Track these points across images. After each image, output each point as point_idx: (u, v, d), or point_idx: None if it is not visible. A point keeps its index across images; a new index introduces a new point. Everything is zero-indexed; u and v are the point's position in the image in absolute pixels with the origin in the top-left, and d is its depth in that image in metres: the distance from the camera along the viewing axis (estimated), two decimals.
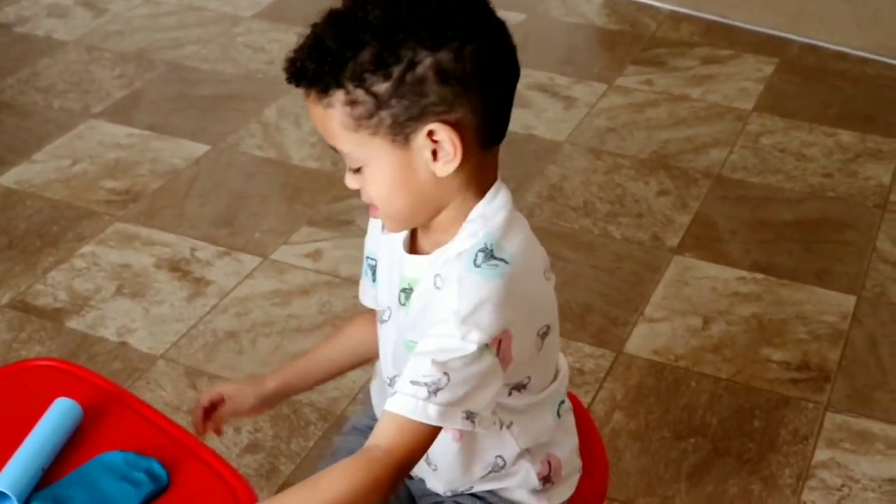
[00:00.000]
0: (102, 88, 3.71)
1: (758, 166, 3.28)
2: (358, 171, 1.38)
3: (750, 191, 3.18)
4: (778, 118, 3.52)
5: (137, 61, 3.87)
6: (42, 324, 2.69)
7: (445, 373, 1.32)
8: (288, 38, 3.96)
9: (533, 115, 3.48)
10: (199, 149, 3.34)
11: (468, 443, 1.49)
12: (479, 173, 1.38)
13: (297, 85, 1.34)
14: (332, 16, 1.34)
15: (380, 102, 1.30)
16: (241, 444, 2.36)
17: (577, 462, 1.62)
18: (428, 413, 1.32)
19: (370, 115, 1.31)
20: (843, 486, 2.28)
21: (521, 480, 1.54)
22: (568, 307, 2.69)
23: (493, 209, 1.39)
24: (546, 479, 1.55)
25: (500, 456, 1.51)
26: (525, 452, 1.52)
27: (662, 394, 2.48)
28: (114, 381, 1.67)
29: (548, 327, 1.45)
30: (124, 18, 4.17)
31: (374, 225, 1.56)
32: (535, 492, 1.55)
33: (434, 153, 1.33)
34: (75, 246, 2.95)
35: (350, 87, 1.30)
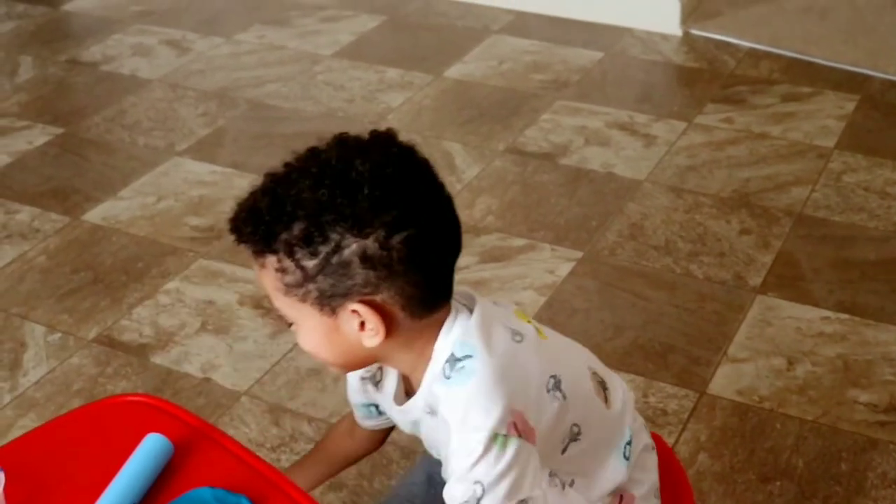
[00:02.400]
0: (186, 126, 3.76)
1: (840, 205, 3.25)
2: (291, 324, 1.42)
3: (833, 229, 3.15)
4: (860, 156, 3.49)
5: (220, 99, 3.93)
6: (128, 359, 2.73)
7: (477, 482, 1.34)
8: (368, 77, 4.03)
9: (612, 153, 3.47)
10: None
11: None
12: (416, 334, 1.40)
13: (235, 240, 1.38)
14: (270, 183, 1.36)
15: (307, 276, 1.33)
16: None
17: (656, 503, 1.60)
18: None
19: (298, 285, 1.35)
20: None
21: None
22: (650, 346, 2.67)
23: (452, 339, 1.40)
24: None
25: None
26: (598, 501, 1.52)
27: (747, 435, 2.46)
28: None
29: (554, 378, 1.43)
30: (207, 57, 4.24)
31: (358, 391, 1.62)
32: None
33: (362, 323, 1.36)
34: (160, 282, 2.98)
35: (281, 255, 1.33)
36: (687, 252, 3.04)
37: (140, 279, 3.00)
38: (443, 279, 1.39)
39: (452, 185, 3.36)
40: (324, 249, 1.31)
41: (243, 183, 3.40)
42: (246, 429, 2.50)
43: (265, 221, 1.33)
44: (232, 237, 1.39)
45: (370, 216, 1.30)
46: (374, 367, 1.54)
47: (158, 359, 2.73)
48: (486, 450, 1.33)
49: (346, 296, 1.33)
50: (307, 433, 2.49)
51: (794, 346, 2.70)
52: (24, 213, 3.30)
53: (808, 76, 3.98)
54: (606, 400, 1.54)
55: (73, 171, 3.52)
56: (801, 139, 3.59)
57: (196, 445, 1.54)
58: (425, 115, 3.80)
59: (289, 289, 1.35)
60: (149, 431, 1.51)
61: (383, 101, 3.89)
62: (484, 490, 1.33)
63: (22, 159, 3.60)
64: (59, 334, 2.82)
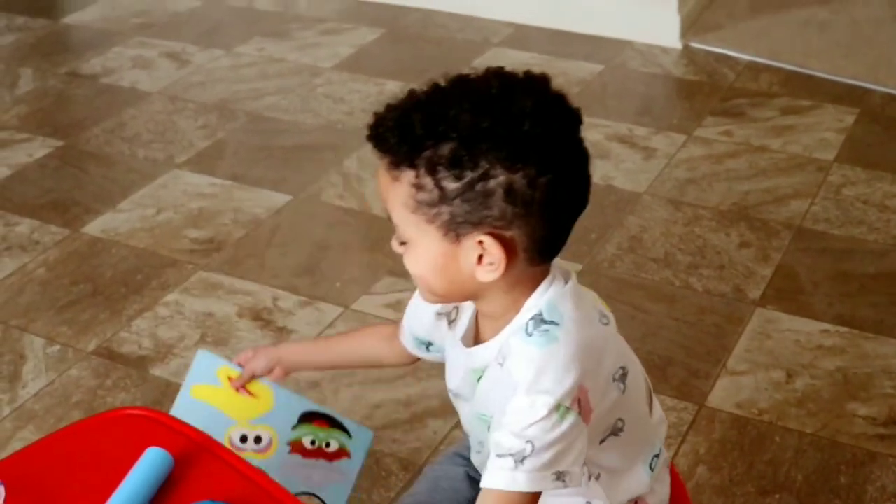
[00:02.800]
0: (186, 138, 3.77)
1: (840, 218, 3.25)
2: (404, 243, 1.40)
3: (832, 243, 3.15)
4: (860, 169, 3.49)
5: (220, 112, 3.93)
6: (127, 371, 2.73)
7: (529, 441, 1.35)
8: (367, 89, 4.03)
9: (612, 165, 3.48)
10: (281, 199, 3.38)
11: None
12: (524, 279, 1.40)
13: (374, 147, 1.36)
14: (422, 98, 1.35)
15: (444, 198, 1.32)
16: None
17: None
18: (518, 481, 1.36)
19: (431, 205, 1.33)
20: None
21: None
22: (649, 359, 2.67)
23: (547, 298, 1.41)
24: None
25: (589, 502, 1.52)
26: None
27: (746, 448, 2.46)
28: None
29: (623, 369, 1.46)
30: (206, 70, 4.25)
31: (424, 320, 1.62)
32: None
33: (480, 257, 1.35)
34: (159, 294, 2.99)
35: (421, 171, 1.32)
36: (686, 265, 3.04)
37: (139, 291, 3.01)
38: (565, 232, 1.39)
39: None
40: (470, 175, 1.30)
41: (243, 195, 3.41)
42: None
43: (415, 135, 1.31)
44: (370, 146, 1.37)
45: (525, 152, 1.30)
46: (453, 304, 1.54)
47: (158, 371, 2.73)
48: (548, 415, 1.34)
49: (478, 225, 1.33)
50: None
51: (793, 358, 2.70)
52: (24, 226, 3.30)
53: (807, 89, 3.99)
54: (651, 408, 1.58)
55: (72, 184, 3.52)
56: (801, 152, 3.59)
57: (196, 459, 1.54)
58: None
59: (419, 206, 1.33)
60: (149, 445, 1.51)
61: None
62: (532, 450, 1.35)
63: (22, 171, 3.60)
64: (59, 346, 2.82)
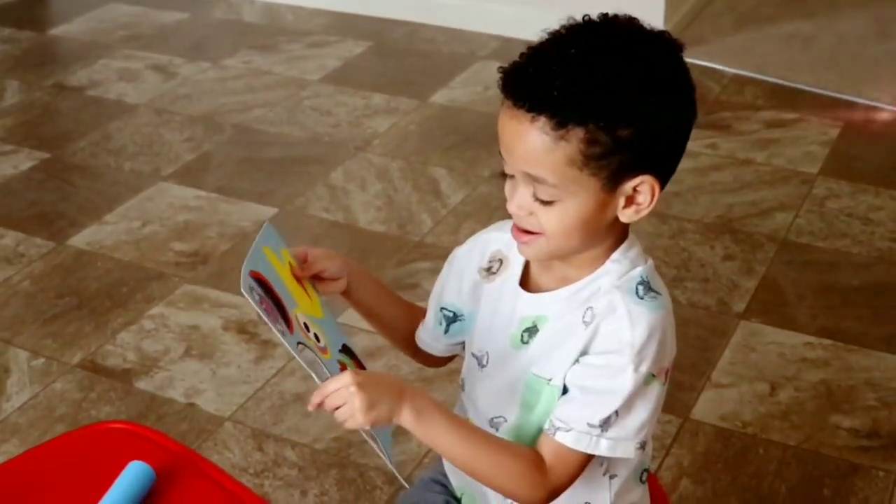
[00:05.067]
0: (172, 151, 3.77)
1: (824, 230, 3.26)
2: (545, 202, 1.36)
3: (816, 255, 3.16)
4: (844, 182, 3.51)
5: (206, 124, 3.93)
6: (111, 384, 2.72)
7: (616, 410, 1.36)
8: (354, 102, 4.04)
9: None
10: (267, 211, 3.38)
11: None
12: (618, 232, 1.42)
13: (529, 110, 1.32)
14: (589, 50, 1.33)
15: (615, 149, 1.32)
16: None
17: None
18: (600, 447, 1.38)
19: (601, 157, 1.32)
20: None
21: None
22: None
23: (633, 254, 1.43)
24: None
25: (588, 503, 1.52)
26: None
27: (730, 461, 2.46)
28: (182, 442, 1.69)
29: (671, 363, 1.46)
30: (193, 82, 4.25)
31: (464, 279, 1.57)
32: None
33: (629, 199, 1.37)
34: (144, 307, 2.98)
35: (593, 126, 1.30)
36: (671, 277, 3.05)
37: (124, 304, 3.00)
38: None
39: (437, 210, 3.37)
40: (639, 122, 1.31)
41: (229, 208, 3.41)
42: (229, 454, 2.50)
43: (588, 89, 1.30)
44: (510, 96, 1.33)
45: (677, 91, 1.35)
46: (497, 256, 1.53)
47: (142, 384, 2.72)
48: (645, 383, 1.36)
49: (646, 169, 1.34)
50: (291, 458, 2.49)
51: (777, 371, 2.71)
52: (9, 238, 3.30)
53: (792, 102, 4.01)
54: None
55: (58, 196, 3.52)
56: (785, 165, 3.61)
57: (178, 472, 1.54)
58: (411, 140, 3.81)
59: (587, 161, 1.31)
60: (131, 459, 1.51)
61: (369, 126, 3.90)
62: (618, 417, 1.37)
63: (7, 184, 3.60)
64: (43, 359, 2.81)
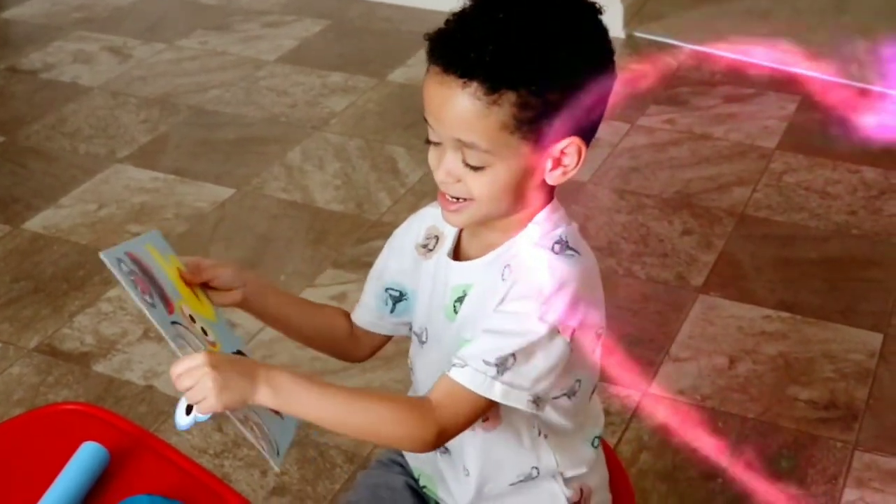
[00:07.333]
0: (127, 133, 3.74)
1: (782, 204, 3.27)
2: (475, 168, 1.36)
3: (774, 229, 3.17)
4: (801, 156, 3.52)
5: (161, 106, 3.90)
6: (69, 367, 2.70)
7: (513, 354, 1.34)
8: (311, 82, 4.01)
9: None
10: (224, 192, 3.36)
11: (504, 438, 1.49)
12: (545, 194, 1.42)
13: (461, 76, 1.31)
14: (517, 14, 1.32)
15: (546, 112, 1.32)
16: (267, 486, 2.36)
17: (608, 496, 1.62)
18: (494, 390, 1.35)
19: (532, 121, 1.32)
20: None
21: (548, 501, 1.53)
22: None
23: (557, 217, 1.42)
24: None
25: (535, 468, 1.52)
26: (558, 475, 1.52)
27: (689, 434, 2.47)
28: (140, 424, 1.68)
29: (603, 331, 1.46)
30: (148, 64, 4.21)
31: (405, 257, 1.57)
32: None
33: (557, 161, 1.37)
34: (101, 290, 2.96)
35: (525, 91, 1.30)
36: (630, 253, 3.05)
37: (81, 287, 2.98)
38: None
39: (396, 189, 3.36)
40: (569, 83, 1.32)
41: (185, 189, 3.38)
42: (188, 435, 2.48)
43: (518, 53, 1.30)
44: (439, 63, 1.34)
45: (600, 50, 1.37)
46: (433, 232, 1.53)
47: (100, 367, 2.70)
48: (548, 334, 1.35)
49: (569, 131, 1.34)
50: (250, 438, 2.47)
51: (735, 344, 2.72)
52: None
53: (749, 78, 4.01)
54: (595, 390, 1.57)
55: (13, 180, 3.48)
56: (743, 140, 3.62)
57: (133, 453, 1.52)
58: (369, 119, 3.79)
59: (519, 125, 1.31)
60: (85, 440, 1.50)
61: (327, 105, 3.88)
62: (515, 362, 1.34)
63: None
64: (0, 344, 2.78)
